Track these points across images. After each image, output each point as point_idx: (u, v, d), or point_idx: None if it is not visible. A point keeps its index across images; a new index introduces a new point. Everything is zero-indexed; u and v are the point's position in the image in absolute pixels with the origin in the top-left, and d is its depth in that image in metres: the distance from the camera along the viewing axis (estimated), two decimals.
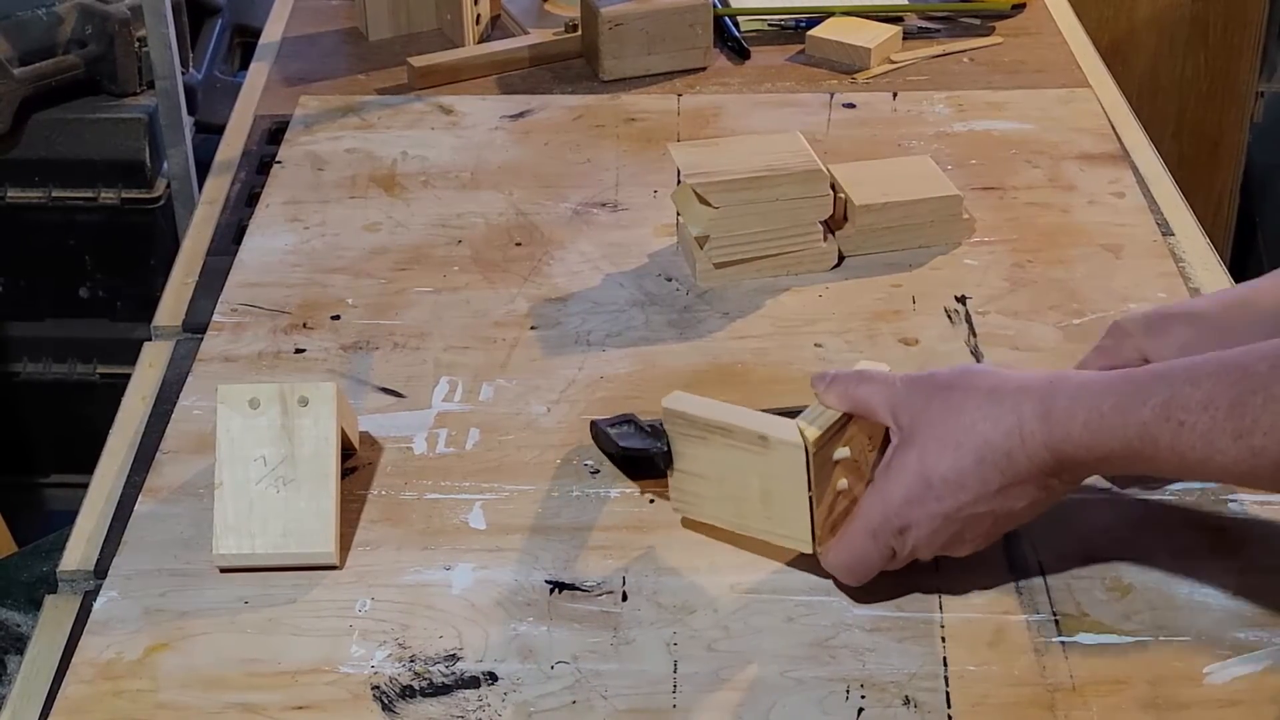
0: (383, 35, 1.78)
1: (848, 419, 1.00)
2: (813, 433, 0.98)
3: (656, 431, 1.07)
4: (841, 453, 1.00)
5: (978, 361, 1.22)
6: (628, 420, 1.12)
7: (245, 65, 1.88)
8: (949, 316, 1.28)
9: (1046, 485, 0.96)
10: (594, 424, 1.13)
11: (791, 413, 1.02)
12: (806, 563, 1.03)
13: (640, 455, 1.08)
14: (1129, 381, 0.92)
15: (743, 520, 1.03)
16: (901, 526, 0.97)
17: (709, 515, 1.05)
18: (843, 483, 1.00)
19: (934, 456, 0.96)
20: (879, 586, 1.01)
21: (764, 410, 1.12)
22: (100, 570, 1.06)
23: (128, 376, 1.26)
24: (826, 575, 1.02)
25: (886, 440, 1.01)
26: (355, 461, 1.13)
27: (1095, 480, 1.07)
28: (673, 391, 1.05)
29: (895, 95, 1.63)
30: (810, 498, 0.99)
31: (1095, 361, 1.08)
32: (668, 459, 1.05)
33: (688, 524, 1.06)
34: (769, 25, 1.78)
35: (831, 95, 1.63)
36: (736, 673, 0.96)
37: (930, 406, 0.97)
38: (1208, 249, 1.37)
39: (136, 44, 2.29)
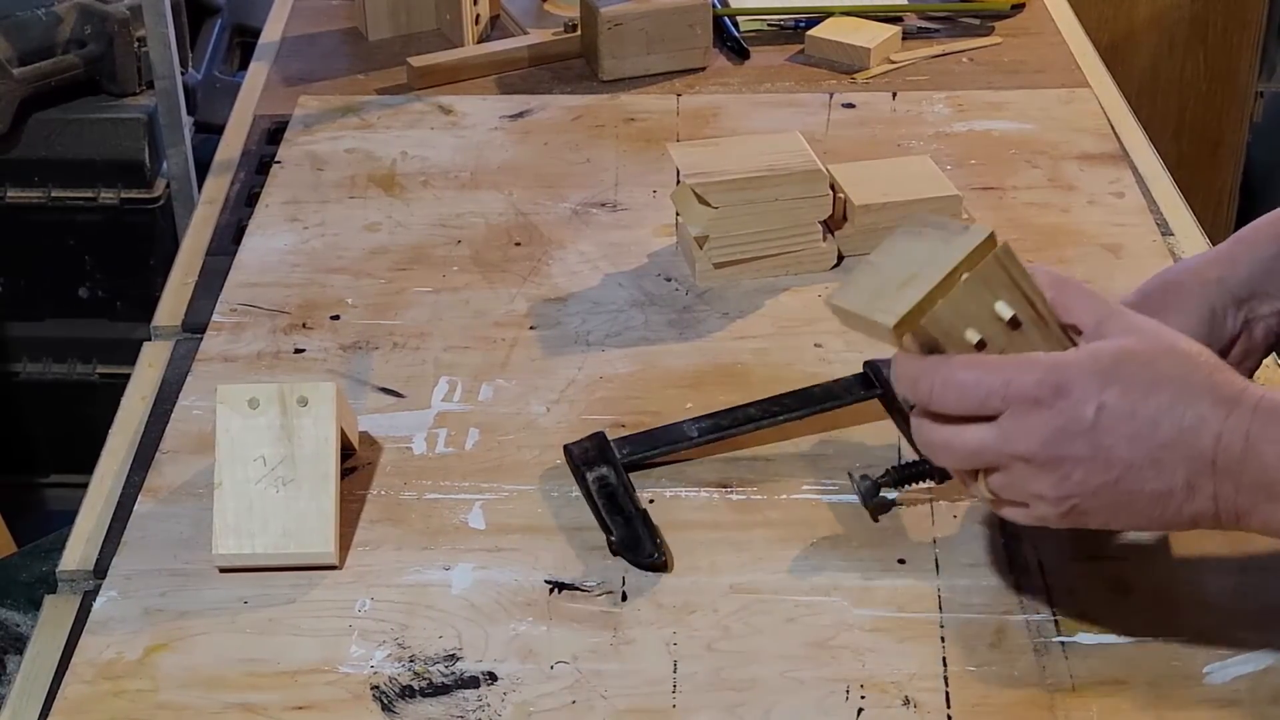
0: (382, 35, 1.78)
1: (1032, 298, 0.91)
2: (1007, 244, 0.90)
3: (626, 486, 1.07)
4: (1002, 306, 0.90)
5: None
6: (601, 444, 1.11)
7: (245, 65, 1.88)
8: None
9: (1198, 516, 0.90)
10: (568, 451, 1.12)
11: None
12: (808, 563, 1.03)
13: (607, 536, 1.05)
14: None
15: (870, 300, 0.92)
16: (1077, 424, 0.87)
17: (849, 301, 0.94)
18: (972, 334, 0.91)
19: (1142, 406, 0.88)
20: (879, 591, 1.01)
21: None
22: (100, 570, 1.06)
23: (128, 376, 1.26)
24: (827, 575, 1.02)
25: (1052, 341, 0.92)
26: (355, 461, 1.13)
27: None
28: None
29: (895, 95, 1.63)
30: (944, 282, 0.89)
31: None
32: (614, 548, 1.04)
33: (689, 527, 1.06)
34: (768, 25, 1.78)
35: (831, 95, 1.63)
36: (736, 673, 0.96)
37: (1157, 364, 0.89)
38: (1208, 249, 1.37)
39: (136, 44, 2.29)
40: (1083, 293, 0.94)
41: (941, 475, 1.06)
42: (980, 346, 0.91)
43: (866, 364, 1.16)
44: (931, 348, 0.91)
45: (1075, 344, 0.93)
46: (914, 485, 1.07)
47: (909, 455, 1.10)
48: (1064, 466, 0.89)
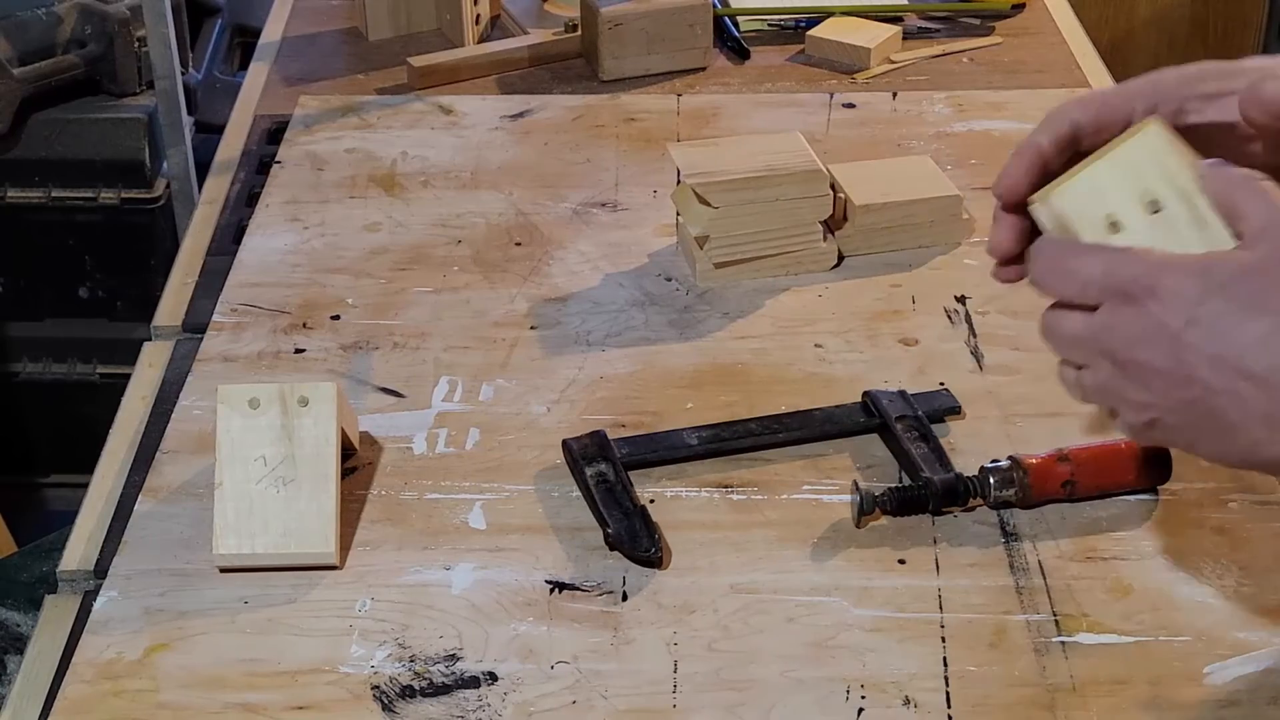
0: (383, 35, 1.78)
1: (1189, 193, 0.83)
2: (1163, 129, 0.83)
3: (625, 484, 1.07)
4: (1146, 193, 0.83)
5: (977, 362, 1.22)
6: (600, 442, 1.11)
7: (245, 65, 1.88)
8: (949, 316, 1.28)
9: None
10: (566, 447, 1.12)
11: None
12: (808, 563, 1.03)
13: (604, 528, 1.05)
14: None
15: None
16: (1175, 317, 0.80)
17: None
18: (1107, 217, 0.84)
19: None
20: (879, 591, 1.01)
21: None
22: (100, 570, 1.06)
23: (128, 376, 1.26)
24: (827, 575, 1.03)
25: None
26: (355, 461, 1.13)
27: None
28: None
29: (895, 95, 1.63)
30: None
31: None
32: (610, 541, 1.04)
33: (689, 527, 1.06)
34: (769, 25, 1.78)
35: (831, 95, 1.63)
36: (736, 673, 0.96)
37: (1271, 289, 0.79)
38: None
39: (136, 44, 2.29)
40: (1254, 195, 0.82)
41: (936, 507, 1.06)
42: (1115, 231, 0.85)
43: (865, 394, 1.16)
44: (1066, 227, 0.86)
45: None
46: (912, 515, 1.07)
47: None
48: (1143, 374, 0.83)
